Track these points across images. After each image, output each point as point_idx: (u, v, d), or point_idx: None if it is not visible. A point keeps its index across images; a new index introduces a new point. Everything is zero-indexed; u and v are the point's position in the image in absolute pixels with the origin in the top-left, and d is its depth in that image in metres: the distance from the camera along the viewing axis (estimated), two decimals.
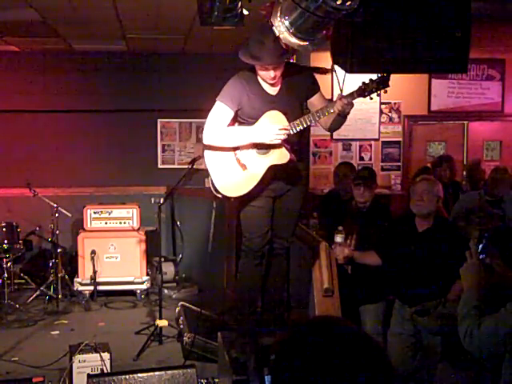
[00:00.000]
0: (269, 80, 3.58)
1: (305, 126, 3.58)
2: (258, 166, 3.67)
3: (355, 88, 3.54)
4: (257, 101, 3.62)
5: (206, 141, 3.69)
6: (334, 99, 3.61)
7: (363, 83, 3.53)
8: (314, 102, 3.74)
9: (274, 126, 3.55)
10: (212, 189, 3.75)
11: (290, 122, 3.57)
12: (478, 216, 3.75)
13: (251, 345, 3.53)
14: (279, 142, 3.56)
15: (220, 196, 3.74)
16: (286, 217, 3.93)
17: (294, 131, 3.57)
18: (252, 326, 3.88)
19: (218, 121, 3.65)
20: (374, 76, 3.55)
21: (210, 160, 3.74)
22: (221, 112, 3.65)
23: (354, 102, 3.52)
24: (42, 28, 6.03)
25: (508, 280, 2.57)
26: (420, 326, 3.84)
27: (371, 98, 3.60)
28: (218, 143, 3.67)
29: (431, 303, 3.76)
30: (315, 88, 3.77)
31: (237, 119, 3.73)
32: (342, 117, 3.59)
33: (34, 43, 7.03)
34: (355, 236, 4.26)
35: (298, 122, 3.56)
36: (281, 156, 3.65)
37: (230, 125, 3.70)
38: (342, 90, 4.04)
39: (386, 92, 3.57)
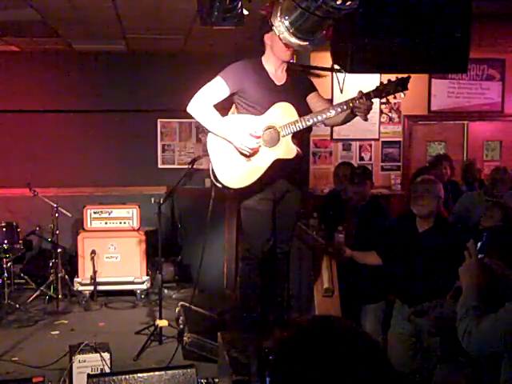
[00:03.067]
0: (287, 52, 3.54)
1: (319, 120, 3.52)
2: (262, 158, 3.59)
3: (372, 88, 3.46)
4: (262, 88, 3.60)
5: (188, 109, 3.63)
6: (354, 96, 3.50)
7: (381, 83, 3.46)
8: (314, 98, 3.73)
9: (246, 134, 3.51)
10: (212, 177, 3.65)
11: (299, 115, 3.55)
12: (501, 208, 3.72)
13: (254, 348, 3.52)
14: (247, 152, 3.52)
15: (220, 186, 3.63)
16: (286, 220, 3.88)
17: (305, 126, 3.51)
18: (253, 328, 3.86)
19: (210, 93, 3.59)
20: (393, 77, 3.49)
21: (213, 147, 3.65)
22: (216, 86, 3.60)
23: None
24: (42, 28, 6.03)
25: (507, 280, 2.57)
26: (419, 327, 3.84)
27: (387, 100, 3.56)
28: (197, 117, 3.62)
29: (429, 304, 3.76)
30: (313, 87, 3.80)
31: (241, 106, 3.66)
32: (354, 114, 3.54)
33: (34, 43, 7.03)
34: (353, 234, 4.27)
35: (309, 116, 3.52)
36: (288, 150, 3.57)
37: (238, 112, 3.66)
38: (341, 90, 4.04)
39: (404, 95, 3.49)
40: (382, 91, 3.46)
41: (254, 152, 3.55)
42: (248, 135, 3.50)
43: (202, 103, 3.60)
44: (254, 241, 3.80)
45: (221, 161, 3.62)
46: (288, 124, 3.53)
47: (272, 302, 4.05)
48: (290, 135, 3.55)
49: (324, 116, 3.51)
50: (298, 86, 3.71)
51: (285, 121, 3.55)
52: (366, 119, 3.51)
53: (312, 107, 3.72)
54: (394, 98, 3.52)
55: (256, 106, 3.60)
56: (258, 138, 3.53)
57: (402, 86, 3.45)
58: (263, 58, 3.68)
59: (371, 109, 3.48)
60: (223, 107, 3.72)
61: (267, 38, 3.60)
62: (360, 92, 3.46)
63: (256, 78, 3.60)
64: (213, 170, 3.64)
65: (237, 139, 3.52)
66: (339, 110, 3.48)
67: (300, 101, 3.68)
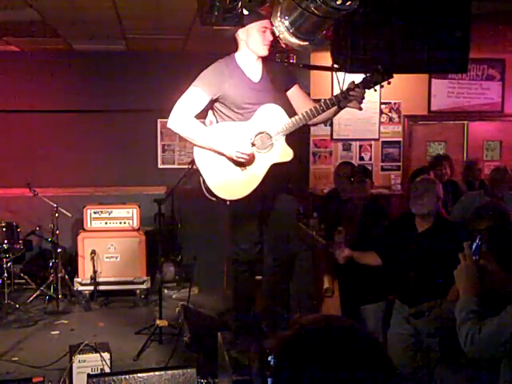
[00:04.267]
0: (264, 46, 3.42)
1: (311, 118, 3.42)
2: (258, 164, 3.45)
3: (360, 80, 3.44)
4: (241, 90, 3.47)
5: (169, 125, 3.48)
6: (347, 87, 3.45)
7: (366, 75, 3.44)
8: (294, 94, 3.64)
9: (239, 141, 3.39)
10: (204, 191, 3.51)
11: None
12: (488, 211, 3.73)
13: (255, 347, 3.51)
14: (244, 160, 3.39)
15: (214, 199, 3.50)
16: (279, 230, 3.79)
17: (297, 126, 3.43)
18: (253, 328, 3.85)
19: (189, 105, 3.42)
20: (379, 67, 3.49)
21: (201, 158, 3.49)
22: (193, 97, 3.43)
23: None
24: (42, 28, 6.03)
25: (503, 281, 2.56)
26: (418, 328, 3.84)
27: (375, 90, 3.52)
28: (180, 131, 3.46)
29: (428, 305, 3.76)
30: (293, 80, 3.68)
31: (221, 112, 3.53)
32: (340, 108, 3.50)
33: (34, 43, 7.03)
34: (353, 234, 4.26)
35: (303, 114, 3.42)
36: (284, 153, 3.47)
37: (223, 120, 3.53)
38: (342, 90, 4.03)
39: (389, 83, 3.46)
40: (369, 82, 3.41)
41: (250, 160, 3.43)
42: (241, 142, 3.39)
43: (183, 117, 3.43)
44: (242, 244, 3.74)
45: (213, 174, 3.46)
46: (279, 127, 3.43)
47: (273, 301, 4.05)
48: (284, 138, 3.47)
49: (315, 112, 3.41)
50: (277, 79, 3.58)
51: (275, 123, 3.44)
52: (360, 108, 3.48)
53: (294, 102, 3.63)
54: (382, 87, 3.49)
55: (237, 109, 3.48)
56: (252, 144, 3.43)
57: (387, 74, 3.42)
58: (237, 56, 3.57)
59: (364, 98, 3.45)
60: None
61: (242, 32, 3.49)
62: (352, 82, 3.43)
63: (233, 80, 3.47)
64: (205, 183, 3.49)
65: (230, 149, 3.38)
66: (329, 104, 3.42)
67: (281, 96, 3.57)
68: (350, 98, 3.41)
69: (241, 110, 3.47)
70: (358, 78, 3.46)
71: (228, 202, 3.54)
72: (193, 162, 5.71)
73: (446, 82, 7.84)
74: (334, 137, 7.65)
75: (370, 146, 7.86)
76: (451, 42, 3.61)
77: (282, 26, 3.26)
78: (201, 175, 3.52)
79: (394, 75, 3.59)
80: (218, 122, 3.60)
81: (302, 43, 3.32)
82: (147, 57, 7.68)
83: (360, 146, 7.83)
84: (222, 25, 3.52)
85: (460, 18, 3.62)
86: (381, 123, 7.80)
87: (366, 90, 3.47)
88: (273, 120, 3.45)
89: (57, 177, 7.65)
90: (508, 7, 5.17)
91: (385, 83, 3.43)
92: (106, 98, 7.74)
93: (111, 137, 7.80)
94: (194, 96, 3.44)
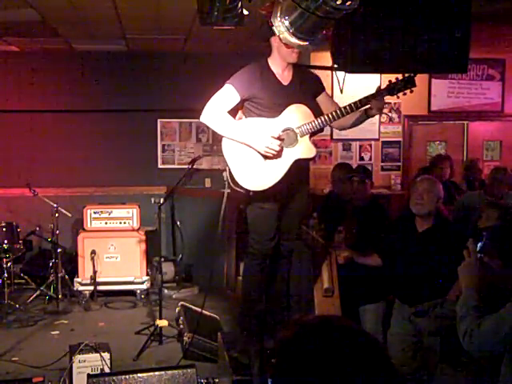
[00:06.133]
0: (294, 54, 3.57)
1: (335, 118, 3.54)
2: (283, 159, 3.60)
3: (383, 86, 3.57)
4: (272, 92, 3.62)
5: (202, 119, 3.65)
6: (371, 93, 3.57)
7: (390, 82, 3.56)
8: (322, 99, 3.78)
9: (267, 137, 3.53)
10: (230, 182, 3.64)
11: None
12: (496, 210, 3.73)
13: (256, 348, 3.52)
14: (271, 154, 3.55)
15: (240, 190, 3.63)
16: (294, 218, 3.93)
17: (322, 125, 3.56)
18: (256, 328, 3.86)
19: (222, 102, 3.61)
20: (393, 77, 3.60)
21: (230, 152, 3.65)
22: (227, 94, 3.61)
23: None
24: (42, 28, 6.03)
25: (506, 279, 2.56)
26: (419, 327, 3.84)
27: (398, 97, 3.62)
28: (212, 126, 3.63)
29: (429, 304, 3.76)
30: (321, 87, 3.83)
31: (251, 112, 3.68)
32: (366, 116, 3.62)
33: (34, 43, 7.03)
34: (353, 234, 4.26)
35: (328, 115, 3.54)
36: (307, 150, 3.63)
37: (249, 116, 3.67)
38: (341, 90, 4.05)
39: (411, 92, 3.58)
40: (393, 89, 3.55)
41: (277, 154, 3.57)
42: (270, 137, 3.52)
43: (216, 111, 3.60)
44: (258, 238, 3.83)
45: (240, 165, 3.61)
46: (305, 124, 3.57)
47: (275, 301, 4.06)
48: (308, 135, 3.59)
49: (340, 114, 3.54)
50: (306, 84, 3.74)
51: (301, 121, 3.59)
52: (379, 114, 3.67)
53: (323, 106, 3.75)
54: (398, 97, 3.59)
55: (267, 109, 3.62)
56: (279, 139, 3.55)
57: (410, 82, 3.54)
58: (269, 60, 3.70)
59: (384, 107, 3.61)
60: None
61: (274, 39, 3.62)
62: (378, 87, 3.56)
63: (264, 83, 3.62)
64: (231, 174, 3.63)
65: (259, 143, 3.53)
66: (354, 107, 3.53)
67: (309, 100, 3.70)
68: (370, 103, 3.52)
69: (270, 110, 3.62)
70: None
71: (251, 193, 3.68)
72: (193, 162, 5.73)
73: (446, 81, 7.83)
74: (334, 137, 7.64)
75: (370, 146, 7.86)
76: (451, 41, 3.62)
77: (282, 26, 3.26)
78: (227, 165, 3.65)
79: (394, 75, 3.61)
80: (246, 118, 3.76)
81: (301, 43, 3.32)
82: (147, 57, 7.68)
83: (360, 146, 7.83)
84: (222, 25, 3.55)
85: (460, 18, 3.62)
86: (381, 123, 7.79)
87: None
88: (300, 118, 3.60)
89: (57, 177, 7.65)
90: (508, 7, 5.17)
91: (407, 91, 3.54)
92: (106, 98, 7.74)
93: (111, 137, 7.80)
94: (227, 93, 3.61)
